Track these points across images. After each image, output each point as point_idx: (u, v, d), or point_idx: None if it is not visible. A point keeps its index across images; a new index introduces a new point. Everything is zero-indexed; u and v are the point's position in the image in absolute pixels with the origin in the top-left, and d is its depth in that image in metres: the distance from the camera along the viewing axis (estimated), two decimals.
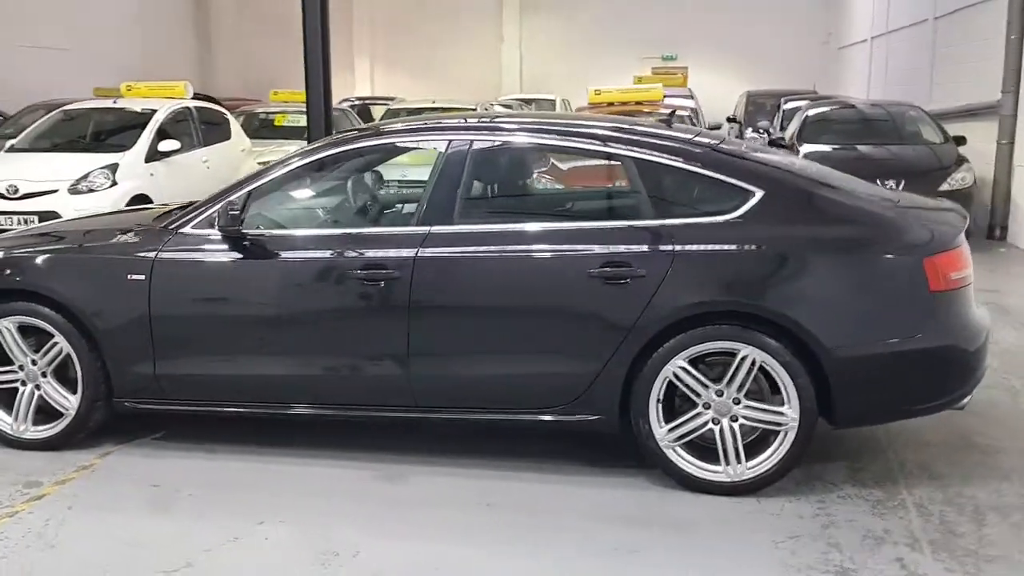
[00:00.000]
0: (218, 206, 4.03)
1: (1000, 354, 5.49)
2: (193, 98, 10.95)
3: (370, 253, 3.89)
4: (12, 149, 9.42)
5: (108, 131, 9.72)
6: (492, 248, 3.84)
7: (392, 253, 3.86)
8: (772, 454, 3.70)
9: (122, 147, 9.11)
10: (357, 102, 18.28)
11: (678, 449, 3.75)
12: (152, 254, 4.04)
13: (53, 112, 10.25)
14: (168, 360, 4.05)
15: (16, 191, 8.29)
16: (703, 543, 3.38)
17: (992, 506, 3.66)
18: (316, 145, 4.32)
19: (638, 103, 10.73)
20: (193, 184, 9.01)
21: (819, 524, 3.50)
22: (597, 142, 4.03)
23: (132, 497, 3.77)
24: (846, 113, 11.61)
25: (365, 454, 4.12)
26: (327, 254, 3.96)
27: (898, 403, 3.78)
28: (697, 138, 4.13)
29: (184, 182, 9.27)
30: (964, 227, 3.86)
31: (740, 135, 15.34)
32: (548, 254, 3.81)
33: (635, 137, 3.99)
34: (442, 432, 4.26)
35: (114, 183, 8.57)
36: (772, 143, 11.03)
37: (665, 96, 10.93)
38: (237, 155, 11.03)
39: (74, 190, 8.36)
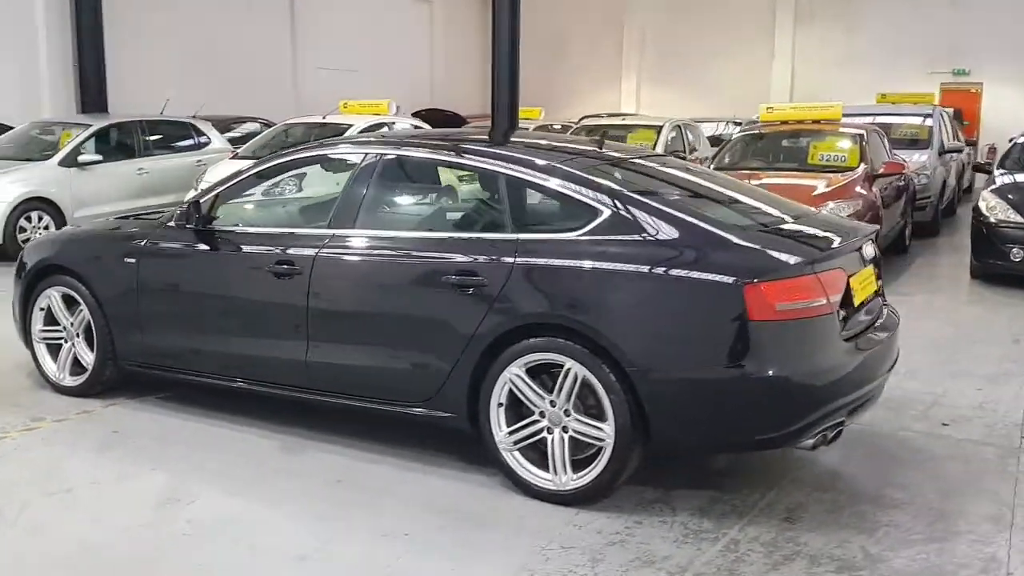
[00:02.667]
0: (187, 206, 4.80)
1: None
2: (420, 113, 12.01)
3: (285, 250, 4.44)
4: (235, 156, 11.06)
5: (305, 142, 11.07)
6: (375, 251, 4.24)
7: (300, 251, 4.38)
8: (593, 469, 3.75)
9: None
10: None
11: (515, 453, 3.91)
12: (143, 242, 4.89)
13: (278, 126, 11.87)
14: (150, 331, 4.88)
15: None
16: (475, 536, 3.56)
17: (812, 554, 3.44)
18: (270, 156, 4.96)
19: (815, 122, 10.26)
20: None
21: (606, 541, 3.52)
22: (477, 158, 4.27)
23: (91, 438, 4.62)
24: None
25: (287, 427, 4.67)
26: (254, 249, 4.56)
27: (717, 433, 3.67)
28: (578, 158, 4.26)
29: None
30: (825, 255, 3.65)
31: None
32: (417, 260, 4.13)
33: (512, 154, 4.20)
34: (360, 416, 4.68)
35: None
36: None
37: (844, 114, 10.33)
38: None
39: None
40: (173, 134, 11.51)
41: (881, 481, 4.15)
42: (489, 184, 4.26)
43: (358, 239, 4.30)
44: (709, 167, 9.80)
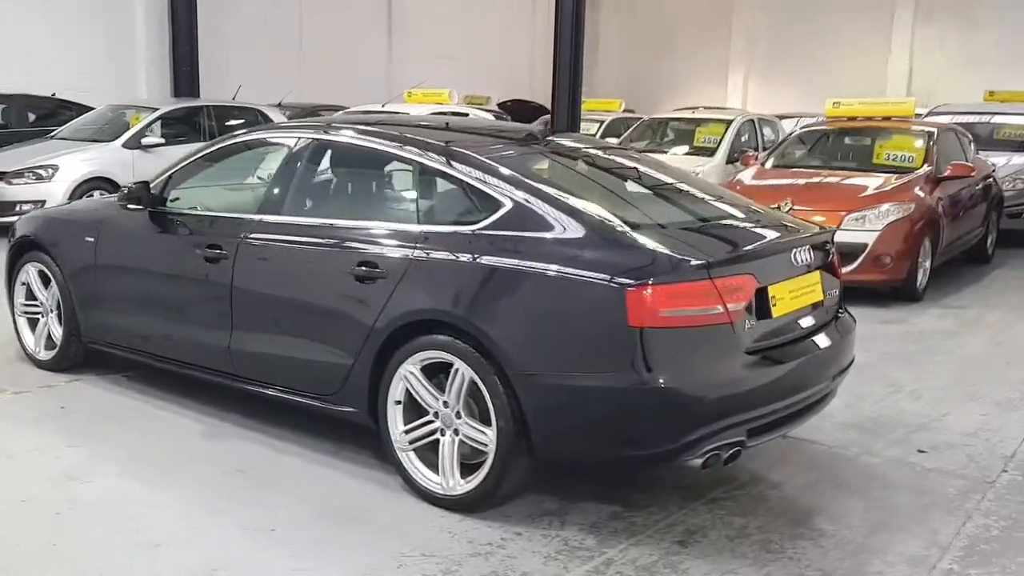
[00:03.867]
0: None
1: None
2: (507, 104, 11.90)
3: (216, 235, 4.41)
4: None
5: None
6: (290, 239, 4.15)
7: (228, 237, 4.34)
8: (477, 475, 3.56)
9: None
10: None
11: (410, 454, 3.76)
12: (102, 221, 4.96)
13: (337, 115, 11.98)
14: (104, 310, 4.95)
15: None
16: (342, 536, 3.43)
17: None
18: (219, 139, 4.93)
19: (886, 118, 9.61)
20: None
21: (472, 551, 3.33)
22: (394, 145, 4.11)
23: (37, 411, 4.72)
24: None
25: (227, 413, 4.64)
26: (191, 232, 4.54)
27: (596, 446, 3.42)
28: (504, 148, 4.06)
29: None
30: (726, 259, 3.35)
31: None
32: (325, 249, 4.02)
33: (430, 142, 4.03)
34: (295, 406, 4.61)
35: None
36: None
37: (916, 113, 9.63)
38: None
39: None
40: (239, 120, 11.78)
41: (812, 509, 3.80)
42: (402, 172, 4.10)
43: (279, 226, 4.22)
44: (763, 164, 9.35)
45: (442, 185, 3.90)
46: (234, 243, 4.28)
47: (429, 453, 3.72)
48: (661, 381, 3.19)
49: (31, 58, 14.32)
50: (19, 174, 9.91)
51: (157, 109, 11.05)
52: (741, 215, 4.02)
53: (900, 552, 3.42)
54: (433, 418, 3.68)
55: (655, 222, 3.67)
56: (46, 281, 5.28)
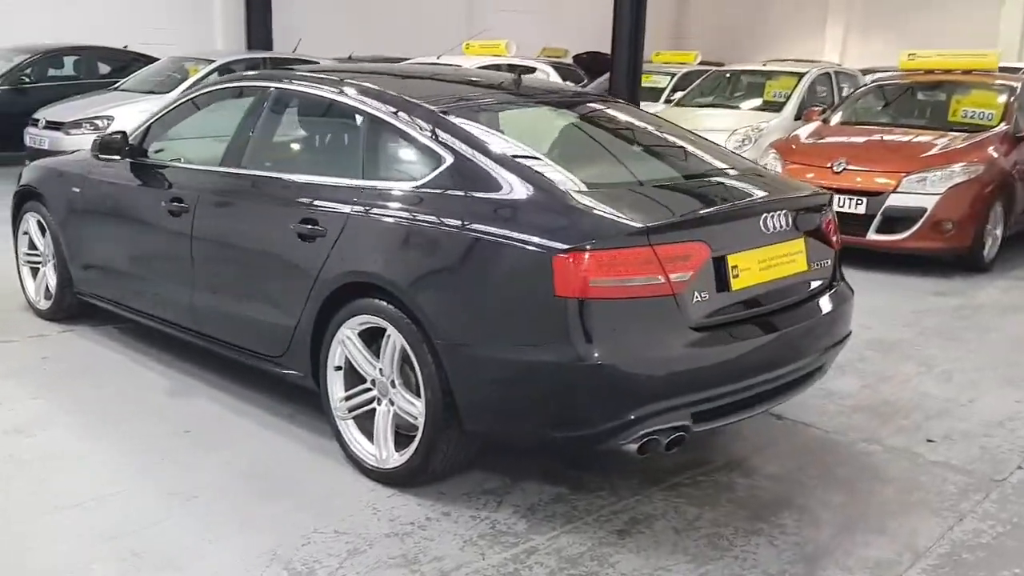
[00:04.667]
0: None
1: None
2: (582, 56, 11.39)
3: (178, 188, 4.26)
4: None
5: None
6: (244, 193, 3.97)
7: (189, 190, 4.19)
8: (408, 449, 3.34)
9: None
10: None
11: (349, 422, 3.56)
12: (86, 172, 4.88)
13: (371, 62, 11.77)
14: (88, 261, 4.90)
15: None
16: (260, 508, 3.25)
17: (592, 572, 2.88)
18: (195, 89, 4.74)
19: (965, 72, 8.83)
20: None
21: (389, 531, 3.11)
22: (341, 93, 3.82)
23: (20, 361, 4.70)
24: None
25: (200, 370, 4.54)
26: (160, 184, 4.40)
27: (523, 425, 3.14)
28: (460, 95, 3.77)
29: None
30: (671, 224, 3.00)
31: None
32: (274, 204, 3.82)
33: (375, 89, 3.75)
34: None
35: None
36: None
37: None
38: None
39: None
40: None
41: (782, 501, 3.44)
42: (351, 123, 3.83)
43: (233, 179, 4.04)
44: (826, 121, 8.74)
45: (387, 137, 3.62)
46: (194, 196, 4.13)
47: (368, 423, 3.52)
48: (590, 357, 2.88)
49: (109, 11, 14.55)
50: (76, 124, 10.08)
51: (214, 61, 11.05)
52: (716, 176, 3.64)
53: (864, 556, 3.05)
54: (371, 386, 3.46)
55: (615, 182, 3.34)
56: (44, 231, 5.27)
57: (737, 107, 11.13)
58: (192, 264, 4.15)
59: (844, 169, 7.33)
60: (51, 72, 12.53)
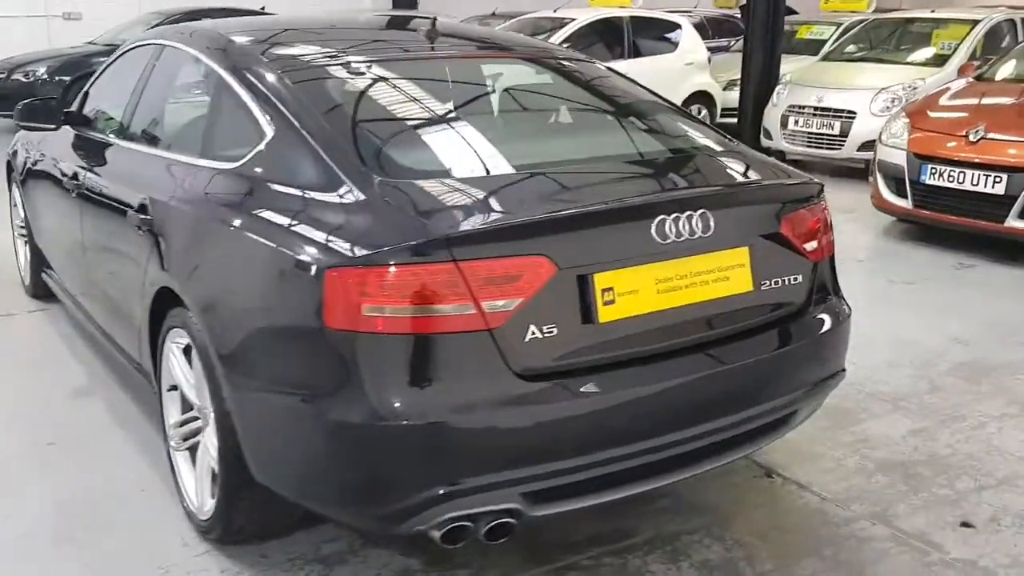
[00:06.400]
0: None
1: None
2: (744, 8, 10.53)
3: (77, 163, 3.76)
4: None
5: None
6: (113, 168, 3.42)
7: (86, 160, 3.69)
8: (214, 499, 2.67)
9: None
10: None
11: (184, 453, 2.92)
12: (41, 142, 4.47)
13: (505, 25, 11.00)
14: (37, 236, 4.56)
15: None
16: (58, 549, 2.70)
17: None
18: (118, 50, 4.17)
19: None
20: None
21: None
22: (195, 50, 3.13)
23: None
24: None
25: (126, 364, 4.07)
26: (71, 157, 3.90)
27: (299, 485, 2.37)
28: (338, 48, 3.00)
29: None
30: (483, 232, 2.13)
31: None
32: (123, 186, 3.22)
33: (226, 43, 3.03)
34: None
35: None
36: None
37: None
38: (679, 69, 10.46)
39: None
40: None
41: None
42: (206, 85, 3.10)
43: (112, 153, 3.51)
44: (980, 77, 7.18)
45: (227, 103, 2.86)
46: (82, 173, 3.63)
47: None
48: (357, 414, 2.10)
49: None
50: None
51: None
52: (633, 160, 2.71)
53: None
54: (198, 414, 2.82)
55: (472, 170, 2.49)
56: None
57: (895, 61, 9.54)
58: (81, 248, 3.67)
59: (981, 138, 5.91)
60: None
